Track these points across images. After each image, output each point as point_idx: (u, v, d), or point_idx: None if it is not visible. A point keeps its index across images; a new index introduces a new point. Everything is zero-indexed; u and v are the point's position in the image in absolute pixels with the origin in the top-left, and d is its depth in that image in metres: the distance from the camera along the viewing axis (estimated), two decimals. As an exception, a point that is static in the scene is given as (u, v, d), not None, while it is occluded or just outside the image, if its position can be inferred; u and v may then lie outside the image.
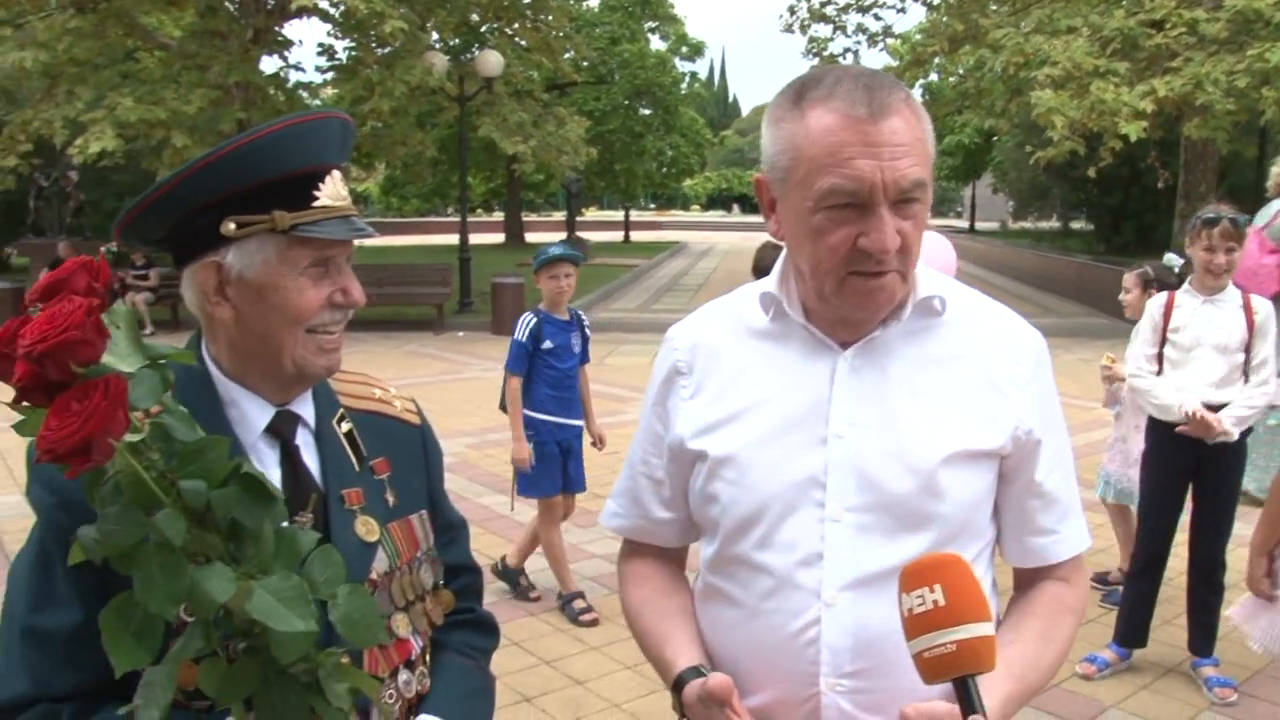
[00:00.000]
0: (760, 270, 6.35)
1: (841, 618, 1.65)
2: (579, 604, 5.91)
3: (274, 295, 1.55)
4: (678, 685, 1.69)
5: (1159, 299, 5.16)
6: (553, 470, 6.04)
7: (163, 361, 1.25)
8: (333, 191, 1.57)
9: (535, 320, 5.95)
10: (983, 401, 1.69)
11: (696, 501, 1.83)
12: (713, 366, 1.81)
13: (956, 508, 1.67)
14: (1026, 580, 1.83)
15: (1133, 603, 5.18)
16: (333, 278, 1.60)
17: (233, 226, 1.50)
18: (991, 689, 1.56)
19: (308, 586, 1.29)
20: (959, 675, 1.38)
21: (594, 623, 5.79)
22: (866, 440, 1.67)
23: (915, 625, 1.41)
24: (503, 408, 6.09)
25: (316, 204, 1.55)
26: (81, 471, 1.15)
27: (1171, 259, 6.08)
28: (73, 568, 1.28)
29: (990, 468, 1.71)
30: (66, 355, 1.12)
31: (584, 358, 6.23)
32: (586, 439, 6.39)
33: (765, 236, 1.68)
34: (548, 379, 5.99)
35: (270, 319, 1.56)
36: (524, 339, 5.90)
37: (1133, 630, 5.17)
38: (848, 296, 1.62)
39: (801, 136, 1.57)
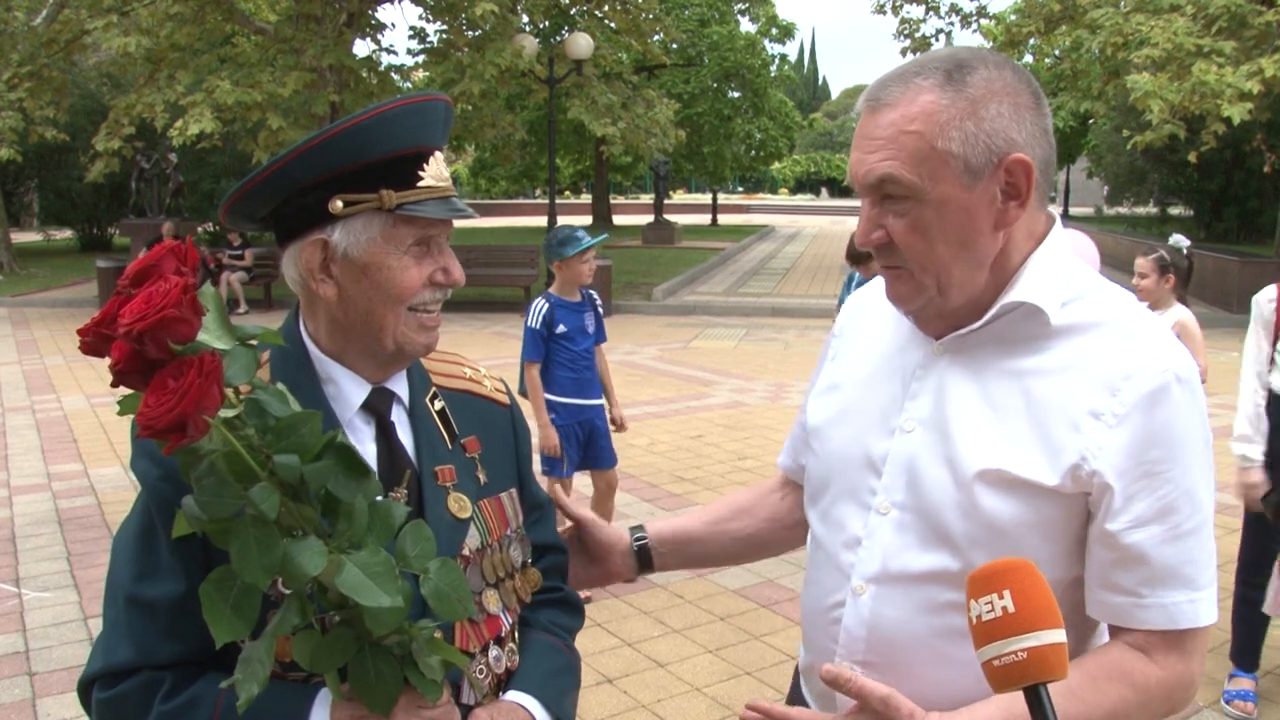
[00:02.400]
0: (853, 257, 6.30)
1: (862, 608, 1.67)
2: None
3: (378, 273, 1.57)
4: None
5: (1267, 292, 4.69)
6: (570, 452, 6.09)
7: (252, 341, 1.28)
8: (436, 172, 1.60)
9: (547, 306, 6.00)
10: (1051, 429, 1.54)
11: None
12: (854, 334, 1.89)
13: (988, 534, 1.56)
14: (1112, 635, 1.64)
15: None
16: (434, 257, 1.63)
17: (340, 204, 1.54)
18: (974, 711, 1.53)
19: (399, 561, 1.32)
20: (1030, 684, 1.35)
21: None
22: (926, 440, 1.64)
23: (984, 633, 1.37)
24: (522, 394, 6.12)
25: (421, 184, 1.57)
26: (178, 447, 1.18)
27: (1178, 240, 5.55)
28: (176, 540, 1.32)
29: (1045, 502, 1.55)
30: (164, 333, 1.16)
31: (599, 337, 6.27)
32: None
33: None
34: (564, 362, 6.04)
35: (374, 297, 1.59)
36: (537, 326, 5.96)
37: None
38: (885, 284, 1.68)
39: None
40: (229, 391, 1.23)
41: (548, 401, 6.01)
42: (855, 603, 1.68)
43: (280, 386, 1.32)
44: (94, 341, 1.20)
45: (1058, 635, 1.34)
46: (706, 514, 2.11)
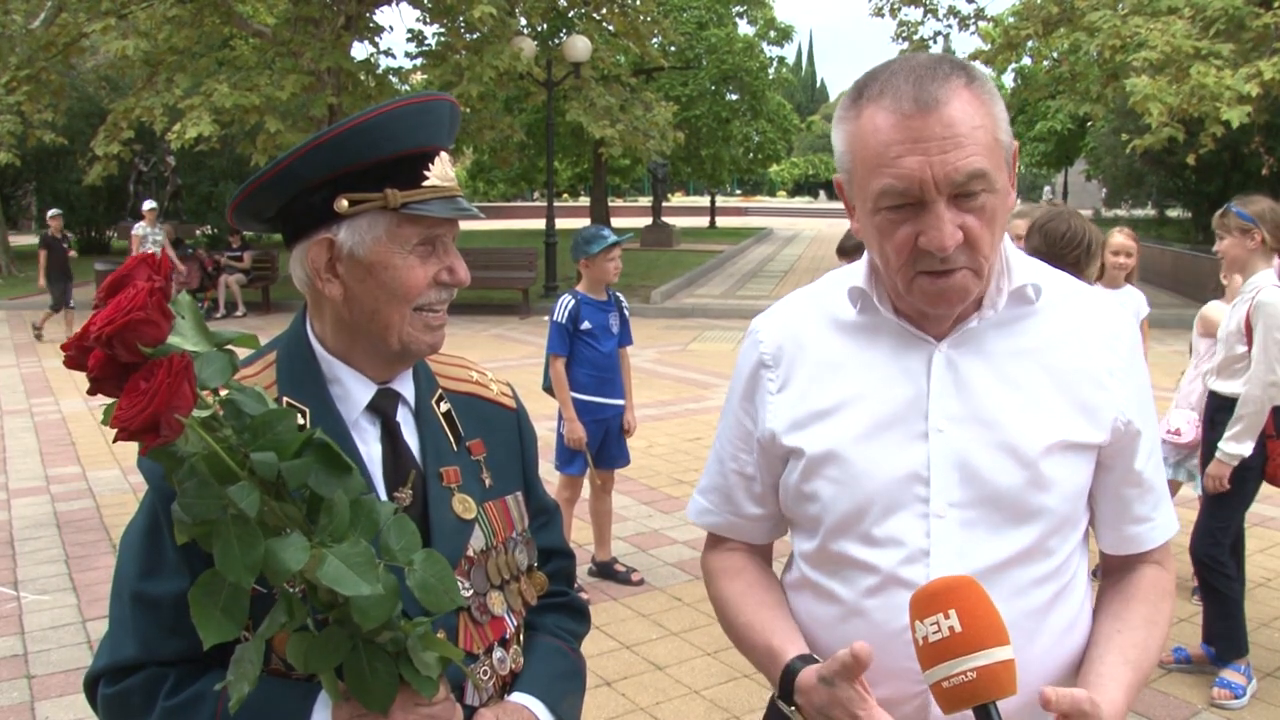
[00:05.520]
0: (844, 251, 6.31)
1: None
2: None
3: (383, 273, 1.58)
4: (788, 673, 1.65)
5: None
6: (587, 449, 6.10)
7: (229, 346, 1.29)
8: (441, 172, 1.61)
9: (573, 302, 6.00)
10: (1081, 393, 1.66)
11: (791, 499, 1.80)
12: (800, 359, 1.78)
13: (1062, 499, 1.65)
14: (1119, 565, 1.81)
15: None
16: (439, 256, 1.63)
17: (345, 203, 1.54)
18: (1116, 678, 1.58)
19: (384, 554, 1.32)
20: (980, 704, 1.35)
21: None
22: (968, 434, 1.64)
23: (931, 654, 1.38)
24: (546, 390, 6.14)
25: (426, 184, 1.58)
26: (153, 448, 1.19)
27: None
28: None
29: (1090, 459, 1.69)
30: (133, 335, 1.17)
31: (624, 339, 6.25)
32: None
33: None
34: (587, 359, 6.03)
35: (379, 296, 1.59)
36: (563, 321, 5.96)
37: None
38: (918, 295, 1.60)
39: (856, 138, 1.57)
40: (204, 394, 1.23)
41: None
42: None
43: (257, 387, 1.33)
44: (76, 355, 1.21)
45: (1006, 653, 1.36)
46: (775, 606, 1.83)
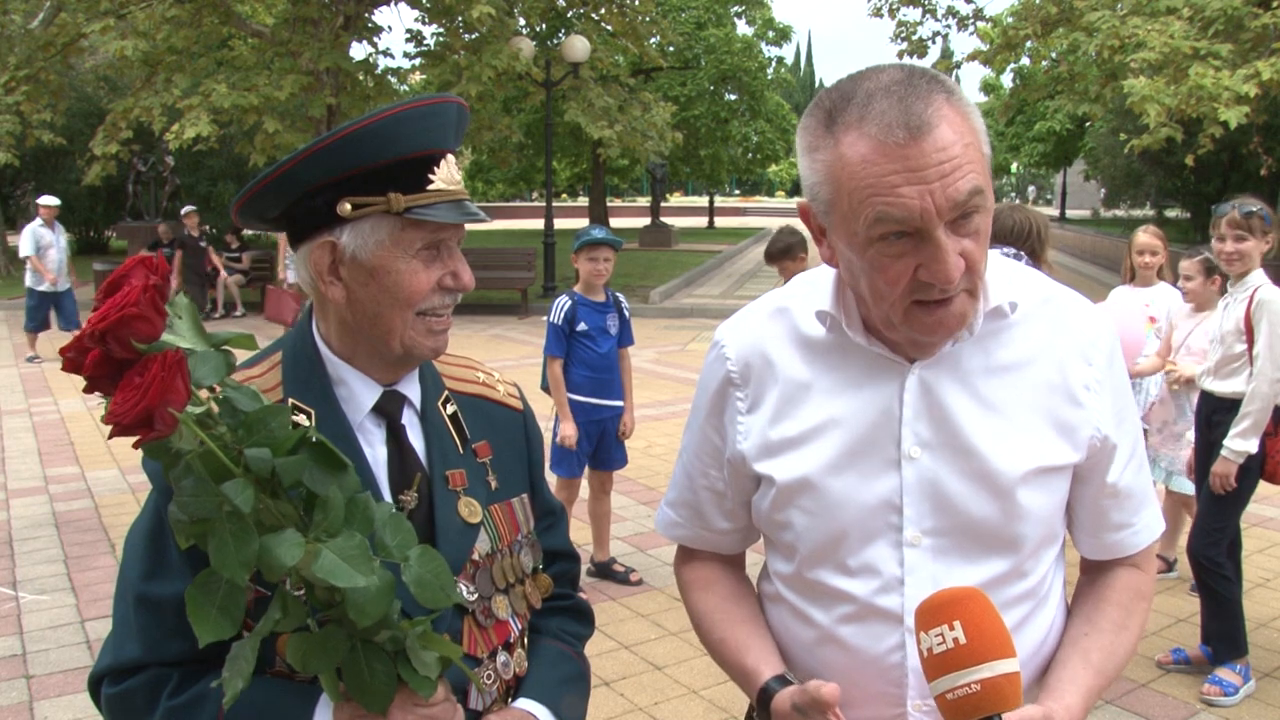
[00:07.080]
0: (771, 256, 6.28)
1: None
2: None
3: (386, 277, 1.57)
4: (764, 694, 1.64)
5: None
6: (580, 452, 6.08)
7: (224, 346, 1.29)
8: (446, 175, 1.59)
9: (569, 303, 5.99)
10: (1058, 412, 1.61)
11: (763, 522, 1.78)
12: (769, 378, 1.71)
13: (1037, 525, 1.63)
14: (1095, 566, 1.79)
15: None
16: (443, 261, 1.62)
17: (348, 207, 1.53)
18: (1075, 682, 1.57)
19: (379, 551, 1.32)
20: (984, 716, 1.35)
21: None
22: (941, 461, 1.60)
23: (935, 666, 1.37)
24: (545, 390, 6.13)
25: (431, 187, 1.56)
26: (147, 441, 1.20)
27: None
28: None
29: (1065, 478, 1.66)
30: (126, 331, 1.18)
31: (624, 340, 6.22)
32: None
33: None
34: (584, 360, 6.02)
35: (381, 300, 1.58)
36: (559, 322, 5.95)
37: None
38: (915, 326, 1.52)
39: (839, 168, 1.45)
40: (200, 392, 1.24)
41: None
42: (915, 640, 1.59)
43: (252, 386, 1.33)
44: (74, 358, 1.21)
45: (1011, 665, 1.35)
46: (747, 622, 1.81)
